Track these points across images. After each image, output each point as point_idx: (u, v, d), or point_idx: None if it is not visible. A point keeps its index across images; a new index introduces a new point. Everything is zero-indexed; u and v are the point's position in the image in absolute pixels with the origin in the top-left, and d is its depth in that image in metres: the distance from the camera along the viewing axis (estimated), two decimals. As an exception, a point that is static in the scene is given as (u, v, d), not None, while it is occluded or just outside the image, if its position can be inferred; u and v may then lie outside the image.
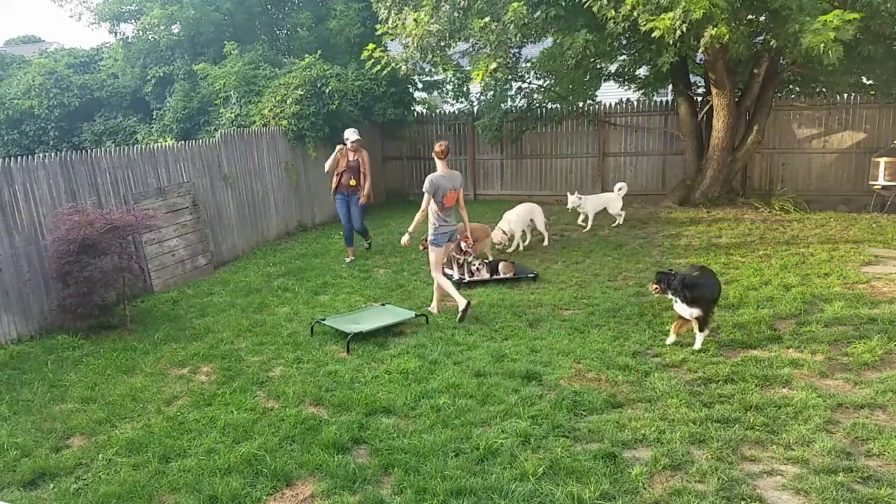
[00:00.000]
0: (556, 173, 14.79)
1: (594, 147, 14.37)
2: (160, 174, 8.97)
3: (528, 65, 13.83)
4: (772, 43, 9.36)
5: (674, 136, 13.60)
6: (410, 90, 14.73)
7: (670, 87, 13.58)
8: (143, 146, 9.53)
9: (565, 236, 10.76)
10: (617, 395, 4.82)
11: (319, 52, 13.04)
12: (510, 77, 13.27)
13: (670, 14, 7.67)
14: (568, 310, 7.03)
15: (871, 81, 11.68)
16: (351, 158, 9.43)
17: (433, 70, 13.08)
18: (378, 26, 10.54)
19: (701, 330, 5.65)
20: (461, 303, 6.73)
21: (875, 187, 11.59)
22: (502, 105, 14.20)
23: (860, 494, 3.48)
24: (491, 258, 9.35)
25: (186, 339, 6.59)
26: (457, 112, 15.76)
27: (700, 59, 12.60)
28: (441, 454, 4.08)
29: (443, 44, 9.88)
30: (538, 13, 9.82)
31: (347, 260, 9.67)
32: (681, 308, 5.64)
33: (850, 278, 7.45)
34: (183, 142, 10.27)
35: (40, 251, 7.07)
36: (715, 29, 8.04)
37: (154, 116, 14.85)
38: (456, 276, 8.25)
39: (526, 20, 9.13)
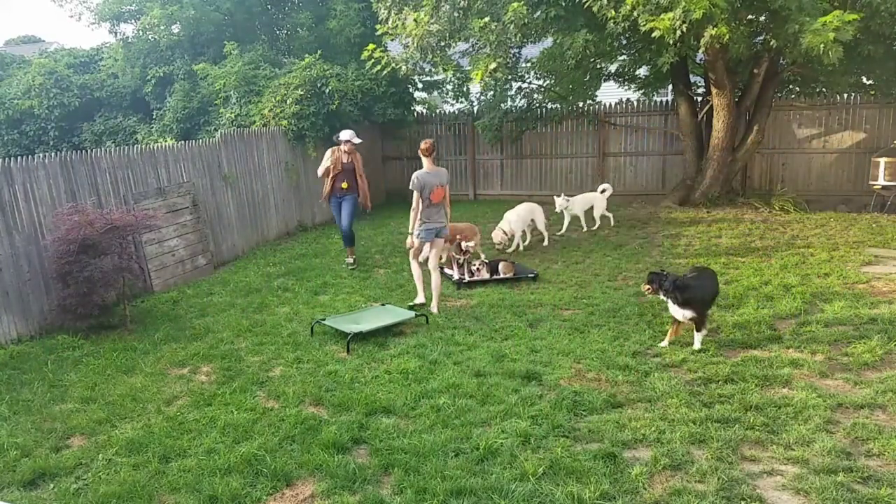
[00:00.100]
0: (556, 173, 14.79)
1: (594, 147, 14.37)
2: (160, 174, 8.97)
3: (528, 65, 13.83)
4: (772, 43, 9.36)
5: (674, 136, 13.60)
6: (410, 90, 14.73)
7: (670, 87, 13.59)
8: (143, 146, 9.53)
9: (565, 236, 10.76)
10: (617, 395, 4.82)
11: (319, 52, 13.04)
12: (510, 77, 13.27)
13: (670, 14, 7.67)
14: (568, 310, 7.03)
15: (871, 81, 11.68)
16: (345, 161, 9.13)
17: (433, 70, 13.08)
18: (378, 26, 10.54)
19: (698, 330, 5.65)
20: (420, 297, 7.25)
21: (875, 187, 11.59)
22: (502, 105, 14.20)
23: (860, 494, 3.48)
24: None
25: (186, 339, 6.59)
26: (457, 112, 15.77)
27: (700, 59, 12.60)
28: (441, 454, 4.08)
29: (443, 44, 9.88)
30: (538, 13, 9.82)
31: (349, 261, 9.44)
32: (674, 310, 5.66)
33: (850, 278, 7.45)
34: (183, 142, 10.27)
35: (40, 251, 7.07)
36: (715, 29, 8.05)
37: (154, 116, 14.86)
38: (456, 276, 8.25)
39: (526, 20, 9.13)
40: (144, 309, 7.70)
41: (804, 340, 5.69)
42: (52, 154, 7.58)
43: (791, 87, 12.98)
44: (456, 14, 9.57)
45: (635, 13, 8.08)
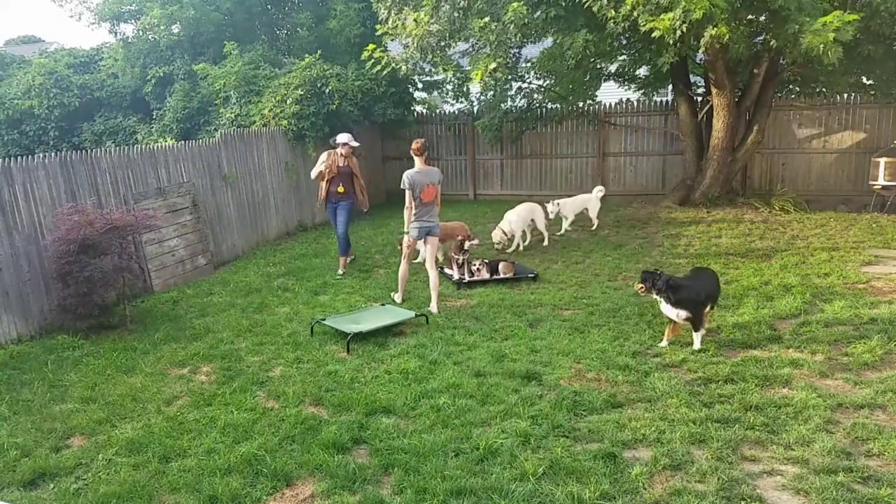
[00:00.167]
0: (556, 173, 14.79)
1: (594, 147, 14.37)
2: (160, 174, 8.97)
3: (528, 65, 13.83)
4: (772, 43, 9.36)
5: (674, 136, 13.60)
6: (410, 90, 14.73)
7: (670, 87, 13.59)
8: (143, 146, 9.53)
9: (565, 236, 10.77)
10: (617, 395, 4.82)
11: (319, 52, 13.04)
12: (510, 77, 13.27)
13: (670, 14, 7.67)
14: (568, 310, 7.03)
15: (871, 81, 11.68)
16: (341, 164, 8.88)
17: (433, 70, 13.08)
18: (378, 26, 10.54)
19: (696, 330, 5.65)
20: (399, 295, 7.49)
21: (875, 187, 11.59)
22: (502, 105, 14.20)
23: (860, 494, 3.48)
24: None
25: (186, 339, 6.59)
26: (457, 112, 15.76)
27: (700, 59, 12.60)
28: (441, 454, 4.09)
29: (443, 44, 9.88)
30: (538, 13, 9.82)
31: (339, 272, 8.99)
32: (666, 309, 5.67)
33: (850, 278, 7.45)
34: (183, 142, 10.27)
35: (40, 251, 7.07)
36: (715, 29, 8.05)
37: (154, 116, 14.86)
38: (456, 276, 8.25)
39: (526, 20, 9.13)
40: (144, 309, 7.70)
41: (804, 340, 5.69)
42: (52, 154, 7.58)
43: (791, 87, 12.98)
44: (456, 14, 9.56)
45: (635, 13, 8.08)
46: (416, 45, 9.75)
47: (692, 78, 13.26)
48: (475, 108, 15.23)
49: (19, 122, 15.27)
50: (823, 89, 12.47)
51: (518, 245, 9.98)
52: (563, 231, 10.78)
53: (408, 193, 7.07)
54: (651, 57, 11.68)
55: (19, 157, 7.15)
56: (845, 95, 12.48)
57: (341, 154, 8.88)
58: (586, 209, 11.04)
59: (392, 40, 11.12)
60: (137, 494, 3.84)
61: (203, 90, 13.76)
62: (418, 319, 6.76)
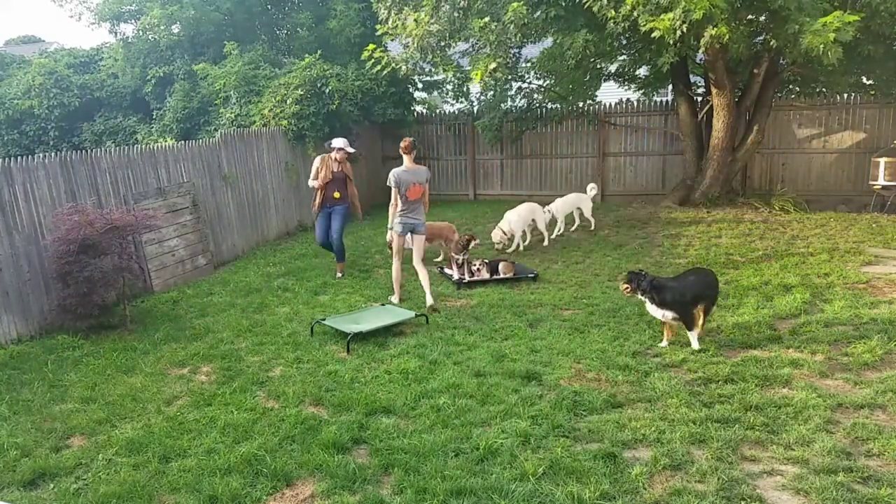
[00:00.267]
0: (556, 173, 14.79)
1: (594, 147, 14.37)
2: (160, 174, 8.97)
3: (528, 65, 13.84)
4: (772, 43, 9.36)
5: (674, 136, 13.60)
6: (410, 90, 14.73)
7: (670, 87, 13.59)
8: (143, 146, 9.53)
9: (565, 236, 10.77)
10: (617, 395, 4.82)
11: (319, 52, 13.05)
12: (510, 77, 13.28)
13: (670, 14, 7.67)
14: (568, 310, 7.03)
15: (871, 81, 11.68)
16: (336, 169, 8.67)
17: (433, 70, 13.08)
18: (378, 26, 10.54)
19: (689, 329, 5.66)
20: (395, 296, 7.50)
21: (875, 187, 11.59)
22: (502, 105, 14.20)
23: (860, 494, 3.48)
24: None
25: (186, 339, 6.59)
26: (457, 112, 15.77)
27: (700, 59, 12.60)
28: (441, 454, 4.08)
29: (443, 44, 9.88)
30: (538, 13, 9.82)
31: (339, 275, 8.88)
32: (652, 310, 5.70)
33: (850, 278, 7.45)
34: (183, 142, 10.27)
35: (40, 251, 7.07)
36: (715, 29, 8.05)
37: (154, 116, 14.86)
38: (456, 276, 8.25)
39: (526, 20, 9.13)
40: (144, 309, 7.70)
41: (804, 340, 5.69)
42: (52, 154, 7.58)
43: (791, 87, 12.98)
44: (456, 14, 9.57)
45: (635, 13, 8.08)
46: (416, 45, 9.75)
47: (692, 78, 13.27)
48: (475, 108, 15.23)
49: (19, 122, 15.27)
50: (823, 89, 12.47)
51: (518, 245, 9.98)
52: (557, 232, 10.74)
53: (393, 191, 7.21)
54: (651, 57, 11.69)
55: (19, 157, 7.15)
56: (845, 95, 12.49)
57: (336, 159, 8.70)
58: (580, 209, 11.01)
59: (392, 40, 11.12)
60: (137, 494, 3.84)
61: (203, 90, 13.76)
62: (418, 319, 6.76)
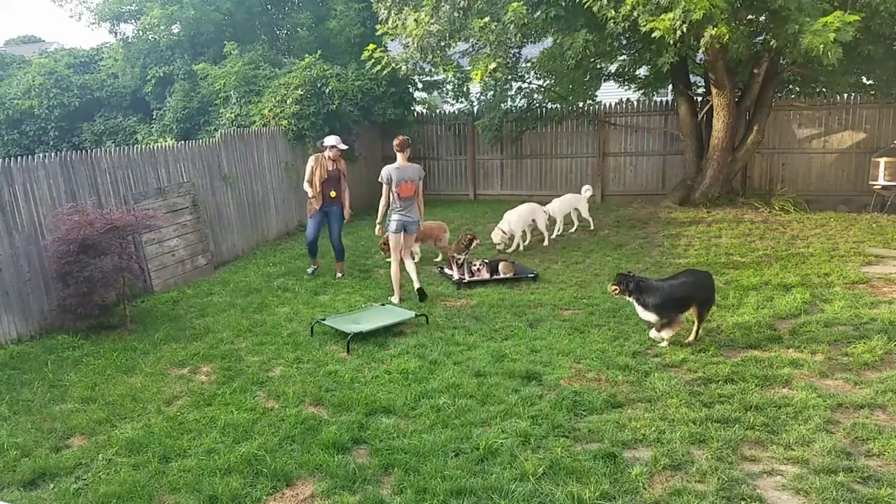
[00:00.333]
0: (556, 173, 14.79)
1: (594, 147, 14.37)
2: (160, 174, 8.97)
3: (528, 65, 13.83)
4: (772, 43, 9.36)
5: (674, 136, 13.60)
6: (410, 90, 14.73)
7: (670, 87, 13.59)
8: (143, 146, 9.53)
9: (565, 236, 10.77)
10: (617, 395, 4.82)
11: (319, 52, 13.05)
12: (510, 77, 13.28)
13: (670, 14, 7.67)
14: (568, 310, 7.03)
15: (871, 81, 11.68)
16: (330, 168, 8.51)
17: (433, 70, 13.08)
18: (378, 26, 10.54)
19: (658, 330, 5.70)
20: (396, 296, 7.53)
21: (875, 187, 11.59)
22: (502, 105, 14.20)
23: (860, 494, 3.48)
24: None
25: (186, 339, 6.59)
26: (457, 112, 15.76)
27: (700, 59, 12.60)
28: (441, 454, 4.08)
29: (443, 44, 9.88)
30: (538, 13, 9.83)
31: (309, 270, 8.87)
32: (640, 311, 5.75)
33: (850, 278, 7.45)
34: (183, 142, 10.27)
35: (40, 251, 7.07)
36: (715, 29, 8.05)
37: (154, 116, 14.86)
38: (456, 276, 8.25)
39: (526, 20, 9.14)
40: (144, 309, 7.70)
41: (804, 340, 5.69)
42: (52, 154, 7.58)
43: (791, 87, 12.98)
44: (456, 14, 9.57)
45: (635, 13, 8.08)
46: (416, 45, 9.75)
47: (692, 78, 13.27)
48: (475, 108, 15.23)
49: (19, 122, 15.27)
50: (823, 89, 12.47)
51: (518, 245, 9.98)
52: (557, 232, 10.74)
53: (384, 188, 7.33)
54: (651, 57, 11.69)
55: (19, 157, 7.15)
56: (845, 95, 12.48)
57: (329, 157, 8.54)
58: (577, 209, 11.00)
59: (392, 40, 11.13)
60: (137, 494, 3.84)
61: (203, 90, 13.77)
62: (418, 319, 6.76)
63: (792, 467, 3.81)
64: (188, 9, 14.19)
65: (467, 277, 8.21)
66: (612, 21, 8.51)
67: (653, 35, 8.07)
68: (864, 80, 11.75)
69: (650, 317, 5.68)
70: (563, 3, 9.75)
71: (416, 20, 9.56)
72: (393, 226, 7.44)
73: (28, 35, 34.69)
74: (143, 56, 14.90)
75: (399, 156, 7.37)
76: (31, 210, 7.08)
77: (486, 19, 9.05)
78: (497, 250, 9.82)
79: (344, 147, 8.71)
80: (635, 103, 14.14)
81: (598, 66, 13.03)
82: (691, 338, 5.80)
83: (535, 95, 14.13)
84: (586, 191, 11.13)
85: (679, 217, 11.57)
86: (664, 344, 5.76)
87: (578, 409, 4.64)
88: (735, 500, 3.52)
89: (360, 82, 12.73)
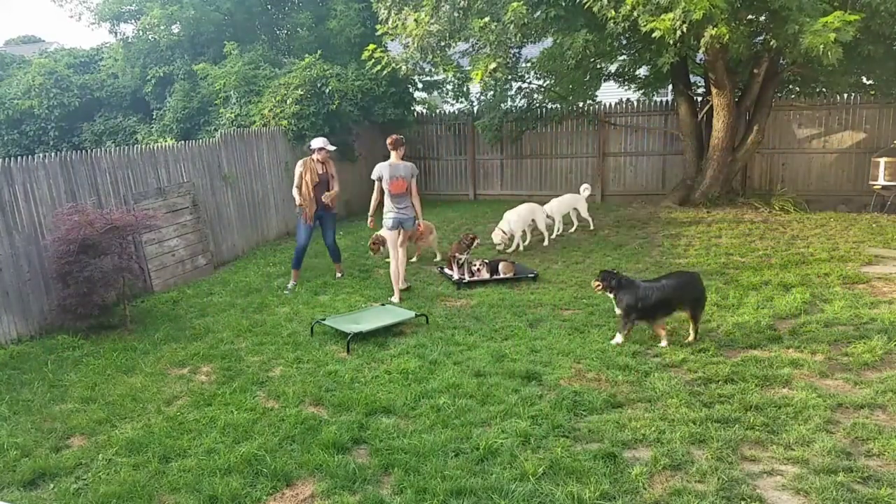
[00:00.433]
0: (556, 173, 14.79)
1: (594, 147, 14.37)
2: (160, 174, 8.97)
3: (528, 65, 13.83)
4: (772, 43, 9.36)
5: (674, 136, 13.60)
6: (410, 90, 14.73)
7: (670, 87, 13.59)
8: (143, 146, 9.53)
9: (565, 236, 10.77)
10: (617, 395, 4.82)
11: (319, 52, 13.05)
12: (510, 77, 13.28)
13: (670, 14, 7.67)
14: (568, 310, 7.03)
15: (871, 81, 11.69)
16: (320, 171, 8.22)
17: (433, 70, 13.09)
18: (378, 26, 10.54)
19: (620, 330, 5.82)
20: (396, 296, 7.59)
21: (875, 187, 11.59)
22: (502, 105, 14.21)
23: (860, 494, 3.48)
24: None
25: (186, 339, 6.59)
26: (457, 112, 15.77)
27: (700, 59, 12.60)
28: (441, 454, 4.08)
29: (443, 44, 9.88)
30: (538, 13, 9.83)
31: (289, 285, 8.35)
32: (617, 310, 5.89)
33: (850, 278, 7.45)
34: (183, 142, 10.27)
35: (40, 251, 7.07)
36: (715, 29, 8.05)
37: (154, 116, 14.86)
38: (456, 276, 8.25)
39: (526, 20, 9.14)
40: (144, 309, 7.70)
41: (804, 340, 5.69)
42: (52, 154, 7.58)
43: (791, 87, 12.98)
44: (456, 14, 9.57)
45: (635, 13, 8.08)
46: (416, 45, 9.75)
47: (692, 78, 13.27)
48: (475, 108, 15.23)
49: (19, 122, 15.27)
50: (823, 89, 12.48)
51: (518, 245, 9.98)
52: (557, 232, 10.74)
53: (376, 184, 7.61)
54: (651, 57, 11.69)
55: (19, 157, 7.15)
56: (845, 95, 12.49)
57: (318, 160, 8.25)
58: (576, 209, 11.00)
59: (392, 40, 11.13)
60: (137, 494, 3.84)
61: (203, 90, 13.76)
62: (418, 319, 6.76)
63: (792, 467, 3.81)
64: (188, 9, 14.19)
65: (467, 277, 8.21)
66: (612, 21, 8.51)
67: (653, 35, 8.07)
68: (864, 80, 11.75)
69: (618, 311, 5.85)
70: (563, 3, 9.75)
71: (416, 20, 9.56)
72: (389, 222, 7.56)
73: (28, 35, 34.70)
74: (143, 56, 14.90)
75: (392, 154, 7.60)
76: (31, 210, 7.08)
77: (486, 19, 9.05)
78: (497, 250, 9.82)
79: (332, 148, 8.42)
80: (635, 103, 14.14)
81: (598, 66, 13.03)
82: (691, 338, 5.81)
83: (535, 95, 14.13)
84: (585, 190, 11.13)
85: (679, 217, 11.57)
86: (663, 343, 5.77)
87: (578, 409, 4.64)
88: (735, 500, 3.52)
89: (360, 82, 12.73)
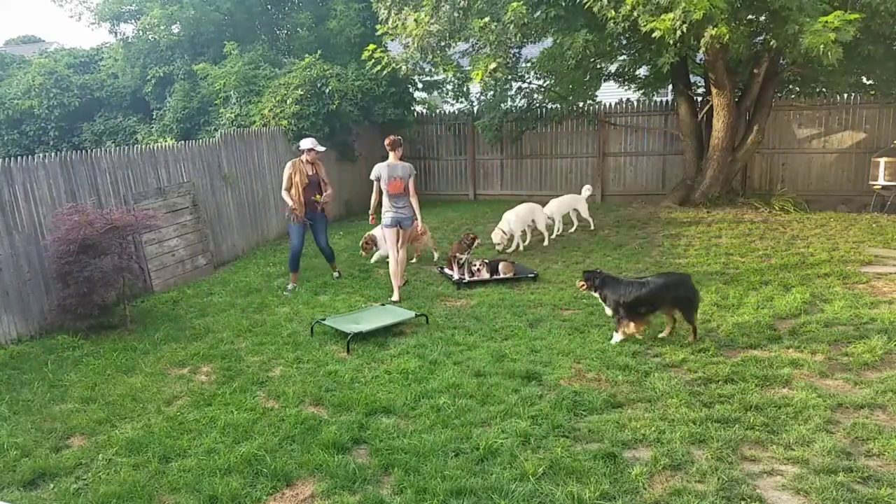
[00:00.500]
0: (556, 173, 14.79)
1: (594, 147, 14.37)
2: (160, 174, 8.97)
3: (528, 65, 13.83)
4: (772, 43, 9.37)
5: (674, 136, 13.60)
6: (410, 90, 14.74)
7: (670, 87, 13.59)
8: (143, 146, 9.53)
9: (565, 236, 10.77)
10: (617, 395, 4.82)
11: (319, 52, 13.06)
12: (510, 77, 13.28)
13: (670, 14, 7.67)
14: (568, 310, 7.03)
15: (871, 81, 11.68)
16: (309, 172, 8.02)
17: (433, 70, 13.09)
18: (378, 26, 10.55)
19: (616, 330, 5.83)
20: (395, 296, 7.61)
21: (875, 187, 11.59)
22: (502, 105, 14.21)
23: (860, 494, 3.48)
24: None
25: (186, 339, 6.59)
26: (457, 112, 15.77)
27: (700, 59, 12.60)
28: (441, 454, 4.08)
29: (443, 44, 9.89)
30: (538, 13, 9.82)
31: (289, 287, 8.25)
32: (605, 308, 5.94)
33: (850, 278, 7.45)
34: (183, 142, 10.28)
35: (40, 251, 7.07)
36: (715, 29, 8.05)
37: (154, 116, 14.87)
38: (456, 276, 8.25)
39: (526, 20, 9.14)
40: (144, 309, 7.70)
41: (804, 340, 5.69)
42: (52, 154, 7.59)
43: (791, 87, 12.98)
44: (456, 14, 9.57)
45: (635, 13, 8.08)
46: (416, 45, 9.76)
47: (692, 78, 13.27)
48: (475, 108, 15.23)
49: (19, 122, 15.27)
50: (823, 89, 12.48)
51: (518, 245, 9.98)
52: (557, 232, 10.73)
53: (375, 184, 7.67)
54: (651, 57, 11.69)
55: (19, 157, 7.16)
56: (845, 95, 12.49)
57: (307, 161, 8.07)
58: (577, 210, 10.99)
59: (392, 40, 11.13)
60: (137, 494, 3.84)
61: (203, 90, 13.77)
62: (418, 319, 6.76)
63: (792, 467, 3.81)
64: (188, 9, 14.19)
65: (467, 277, 8.21)
66: (612, 21, 8.51)
67: (653, 35, 8.07)
68: (864, 80, 11.75)
69: (607, 311, 5.88)
70: (563, 3, 9.75)
71: (416, 20, 9.57)
72: (388, 220, 7.62)
73: (28, 35, 34.70)
74: (143, 56, 14.91)
75: (391, 154, 7.66)
76: (31, 210, 7.08)
77: (486, 19, 9.05)
78: (497, 250, 9.82)
79: (321, 149, 8.23)
80: (635, 103, 14.14)
81: (598, 66, 13.03)
82: (690, 338, 5.81)
83: (535, 95, 14.13)
84: (586, 190, 11.13)
85: (679, 217, 11.57)
86: (664, 333, 5.79)
87: (578, 409, 4.64)
88: (735, 500, 3.51)
89: (360, 82, 12.74)
